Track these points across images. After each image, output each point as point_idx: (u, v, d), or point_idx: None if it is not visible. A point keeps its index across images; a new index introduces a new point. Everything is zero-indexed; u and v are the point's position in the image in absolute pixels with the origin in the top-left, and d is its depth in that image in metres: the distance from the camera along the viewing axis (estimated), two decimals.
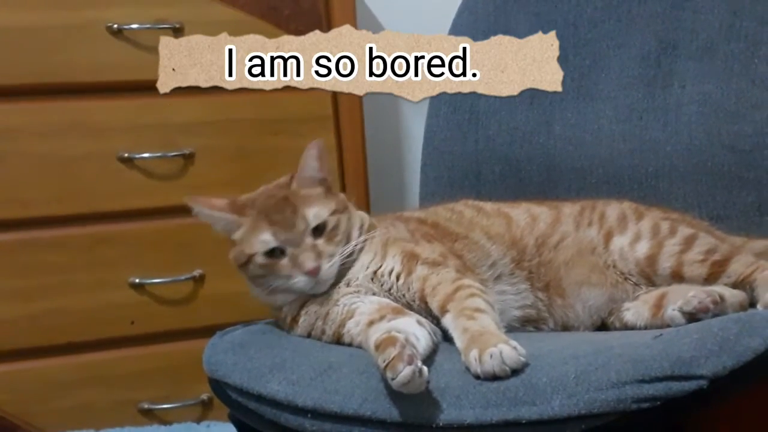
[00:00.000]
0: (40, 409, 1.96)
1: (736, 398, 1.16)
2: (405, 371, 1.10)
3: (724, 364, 1.08)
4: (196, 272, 2.04)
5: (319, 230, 1.44)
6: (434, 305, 1.35)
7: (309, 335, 1.45)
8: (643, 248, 1.50)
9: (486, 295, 1.35)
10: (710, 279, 1.45)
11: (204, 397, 2.05)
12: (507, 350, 1.15)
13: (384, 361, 1.13)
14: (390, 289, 1.43)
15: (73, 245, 1.98)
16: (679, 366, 1.08)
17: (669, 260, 1.48)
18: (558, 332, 1.49)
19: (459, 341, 1.24)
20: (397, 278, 1.43)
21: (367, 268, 1.45)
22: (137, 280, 2.01)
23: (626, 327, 1.47)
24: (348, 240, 1.47)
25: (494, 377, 1.14)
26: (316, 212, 1.44)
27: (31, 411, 1.96)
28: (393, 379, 1.11)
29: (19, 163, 1.93)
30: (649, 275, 1.49)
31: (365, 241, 1.48)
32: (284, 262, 1.42)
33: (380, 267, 1.45)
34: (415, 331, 1.28)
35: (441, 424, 1.12)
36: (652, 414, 1.08)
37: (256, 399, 1.32)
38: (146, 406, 2.03)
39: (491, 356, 1.14)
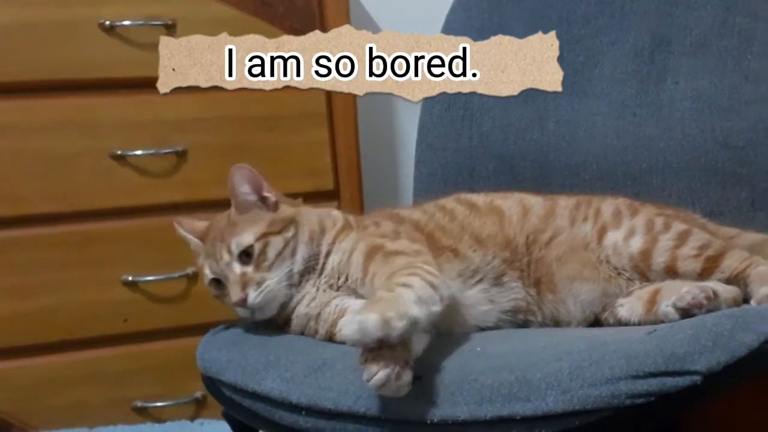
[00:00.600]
0: (34, 407, 1.96)
1: (730, 394, 1.15)
2: (379, 374, 1.07)
3: (718, 359, 1.08)
4: (189, 270, 2.03)
5: (247, 256, 1.43)
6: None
7: (302, 333, 1.45)
8: (637, 243, 1.50)
9: (439, 283, 1.25)
10: (704, 274, 1.44)
11: (198, 395, 2.05)
12: (372, 320, 1.07)
13: (361, 363, 1.10)
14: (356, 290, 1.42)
15: (66, 243, 1.98)
16: (673, 361, 1.08)
17: (663, 255, 1.48)
18: (552, 328, 1.49)
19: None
20: (359, 284, 1.40)
21: (338, 273, 1.45)
22: (130, 278, 2.01)
23: (620, 323, 1.47)
24: (293, 256, 1.44)
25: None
26: (238, 240, 1.43)
27: (24, 409, 1.96)
28: (368, 381, 1.09)
29: (11, 161, 1.93)
30: (643, 270, 1.49)
31: (332, 244, 1.47)
32: (225, 290, 1.44)
33: (347, 274, 1.44)
34: None
35: (435, 421, 1.12)
36: (646, 410, 1.07)
37: (250, 396, 1.31)
38: (140, 404, 2.03)
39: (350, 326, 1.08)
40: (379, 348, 1.08)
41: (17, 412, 1.95)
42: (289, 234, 1.46)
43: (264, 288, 1.41)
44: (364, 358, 1.10)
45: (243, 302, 1.39)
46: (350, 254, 1.43)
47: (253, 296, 1.40)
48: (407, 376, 1.10)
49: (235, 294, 1.40)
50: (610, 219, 1.56)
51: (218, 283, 1.45)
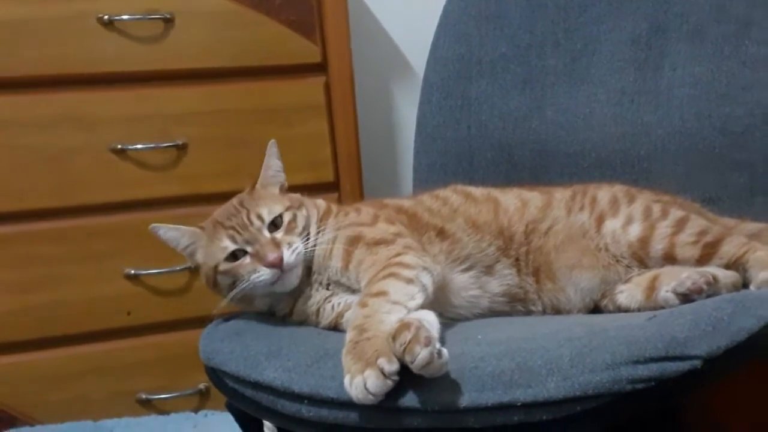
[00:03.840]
0: (38, 400, 1.97)
1: (730, 378, 1.16)
2: (423, 353, 1.08)
3: (718, 344, 1.09)
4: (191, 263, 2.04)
5: (275, 225, 1.46)
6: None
7: (304, 324, 1.46)
8: (635, 231, 1.51)
9: (420, 267, 1.35)
10: (702, 260, 1.45)
11: (201, 386, 2.05)
12: (372, 378, 1.12)
13: (401, 346, 1.11)
14: (338, 281, 1.45)
15: (68, 237, 1.98)
16: (673, 347, 1.09)
17: (661, 242, 1.48)
18: (552, 315, 1.50)
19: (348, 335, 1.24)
20: (340, 273, 1.45)
21: (322, 269, 1.47)
22: (132, 272, 2.01)
23: (620, 310, 1.47)
24: (308, 235, 1.48)
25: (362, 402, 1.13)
26: (269, 208, 1.47)
27: (28, 403, 1.96)
28: (412, 362, 1.09)
29: (12, 156, 1.93)
30: (641, 257, 1.50)
31: (319, 233, 1.49)
32: (246, 260, 1.43)
33: (330, 265, 1.46)
34: (425, 316, 1.26)
35: (437, 408, 1.12)
36: (646, 395, 1.08)
37: (252, 386, 1.32)
38: (144, 396, 2.03)
39: (355, 387, 1.13)
40: (417, 330, 1.11)
41: (22, 405, 1.96)
42: (303, 213, 1.50)
43: (296, 248, 1.43)
44: (400, 343, 1.11)
45: (279, 260, 1.40)
46: (331, 247, 1.46)
47: (288, 254, 1.42)
48: (445, 353, 1.11)
49: (271, 254, 1.40)
50: (607, 207, 1.56)
51: (234, 258, 1.44)
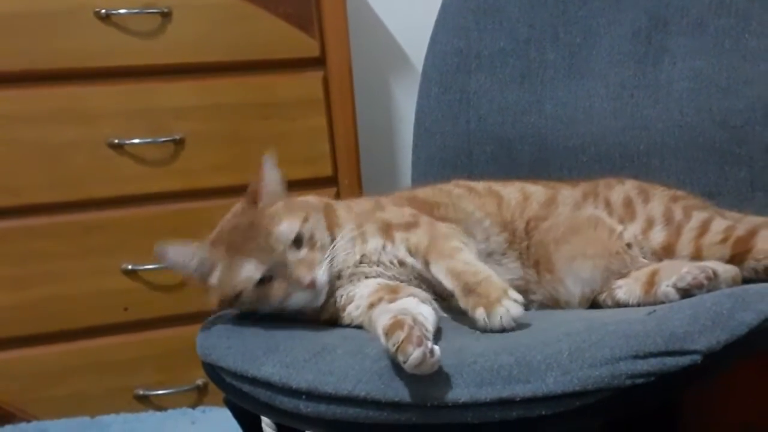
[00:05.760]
0: (35, 397, 1.97)
1: (730, 373, 1.16)
2: (415, 353, 1.08)
3: (718, 338, 1.08)
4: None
5: (297, 243, 1.39)
6: (419, 262, 1.38)
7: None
8: (658, 237, 1.50)
9: (461, 236, 1.41)
10: (734, 261, 1.43)
11: (199, 382, 2.05)
12: (514, 308, 1.22)
13: (394, 345, 1.11)
14: (379, 263, 1.42)
15: (65, 233, 1.98)
16: (673, 341, 1.08)
17: (687, 248, 1.48)
18: (551, 310, 1.49)
19: (450, 285, 1.29)
20: (383, 247, 1.42)
21: (355, 255, 1.43)
22: (130, 267, 2.01)
23: (618, 305, 1.47)
24: (332, 238, 1.43)
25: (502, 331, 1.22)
26: (288, 227, 1.38)
27: (25, 399, 1.96)
28: (404, 362, 1.10)
29: (9, 151, 1.93)
30: (664, 258, 1.49)
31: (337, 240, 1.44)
32: (276, 285, 1.37)
33: (366, 249, 1.44)
34: (421, 311, 1.26)
35: (435, 404, 1.12)
36: (646, 390, 1.07)
37: (250, 382, 1.31)
38: (141, 392, 2.03)
39: (501, 317, 1.21)
40: (410, 329, 1.12)
41: (18, 402, 1.96)
42: (314, 219, 1.44)
43: (325, 267, 1.39)
44: (393, 342, 1.11)
45: (313, 283, 1.35)
46: (362, 236, 1.44)
47: (320, 274, 1.37)
48: (437, 351, 1.11)
49: (305, 276, 1.35)
50: (622, 211, 1.56)
51: (260, 282, 1.37)
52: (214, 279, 1.40)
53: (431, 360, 1.10)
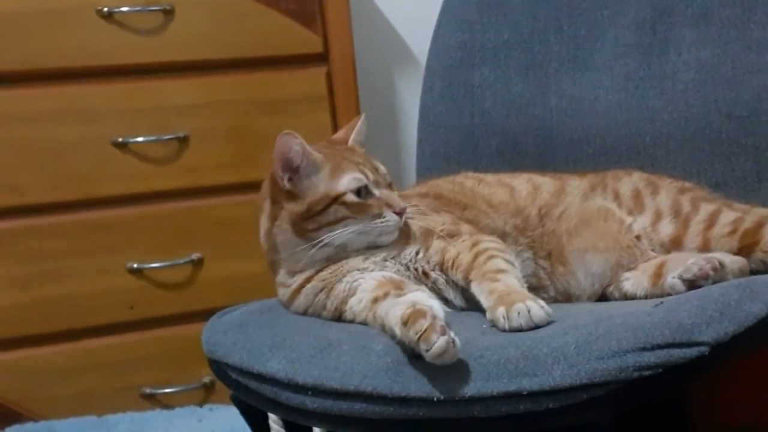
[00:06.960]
0: (42, 396, 1.97)
1: (737, 364, 1.15)
2: (440, 342, 1.08)
3: (725, 329, 1.08)
4: (194, 256, 2.04)
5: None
6: (458, 277, 1.37)
7: (306, 312, 1.44)
8: (667, 230, 1.50)
9: (505, 254, 1.37)
10: (742, 252, 1.43)
11: (206, 380, 2.05)
12: (534, 307, 1.19)
13: (416, 333, 1.11)
14: (407, 264, 1.42)
15: (70, 232, 1.98)
16: (680, 333, 1.08)
17: (694, 240, 1.48)
18: (558, 303, 1.49)
19: (486, 302, 1.27)
20: (417, 253, 1.42)
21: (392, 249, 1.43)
22: (135, 265, 2.01)
23: (626, 297, 1.46)
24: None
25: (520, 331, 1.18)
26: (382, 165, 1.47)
27: (32, 398, 1.97)
28: (427, 350, 1.09)
29: (13, 150, 1.93)
30: (672, 251, 1.49)
31: None
32: (374, 201, 1.40)
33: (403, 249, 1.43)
34: (432, 304, 1.25)
35: (442, 398, 1.12)
36: (653, 382, 1.07)
37: (256, 378, 1.31)
38: (148, 390, 2.03)
39: (519, 313, 1.18)
40: (433, 318, 1.12)
41: (25, 401, 1.96)
42: None
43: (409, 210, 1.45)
44: (415, 330, 1.11)
45: (404, 210, 1.41)
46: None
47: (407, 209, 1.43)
48: (458, 341, 1.11)
49: (399, 202, 1.41)
50: (631, 203, 1.55)
51: (358, 193, 1.40)
52: (316, 180, 1.42)
53: (453, 350, 1.10)
